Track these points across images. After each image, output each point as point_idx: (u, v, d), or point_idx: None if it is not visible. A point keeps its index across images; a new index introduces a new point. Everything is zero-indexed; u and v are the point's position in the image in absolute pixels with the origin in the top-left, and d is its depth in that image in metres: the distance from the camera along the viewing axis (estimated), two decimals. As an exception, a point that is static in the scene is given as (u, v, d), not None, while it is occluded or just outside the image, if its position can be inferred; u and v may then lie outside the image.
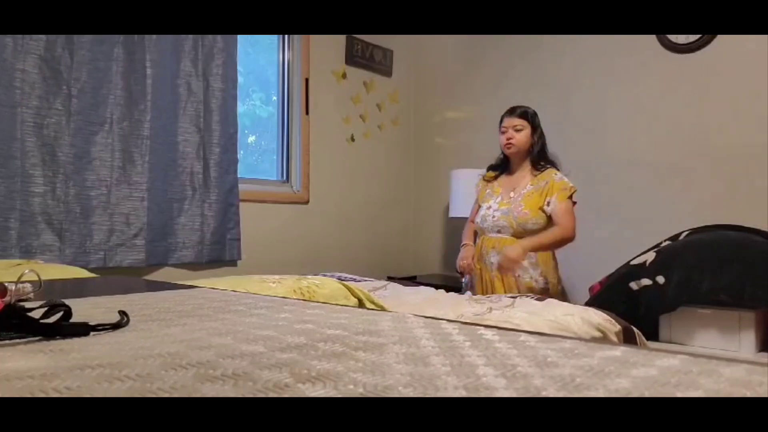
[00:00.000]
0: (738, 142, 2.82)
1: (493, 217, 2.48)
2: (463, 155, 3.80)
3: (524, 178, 2.50)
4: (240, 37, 3.07)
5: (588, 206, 3.20)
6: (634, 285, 2.45)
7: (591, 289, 2.68)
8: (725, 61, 2.87)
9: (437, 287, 2.56)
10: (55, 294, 0.97)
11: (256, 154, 3.54)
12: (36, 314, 0.61)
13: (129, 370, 0.47)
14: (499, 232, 2.47)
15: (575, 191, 2.40)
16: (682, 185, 2.99)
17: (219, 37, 2.91)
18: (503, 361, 0.53)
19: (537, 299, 2.04)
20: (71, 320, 0.64)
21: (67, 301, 0.65)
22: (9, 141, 2.24)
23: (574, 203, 2.40)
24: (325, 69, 3.57)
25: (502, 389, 0.44)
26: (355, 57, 3.72)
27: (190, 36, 2.80)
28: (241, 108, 3.11)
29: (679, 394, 0.43)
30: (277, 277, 1.65)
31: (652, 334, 2.42)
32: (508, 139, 2.49)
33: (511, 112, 2.52)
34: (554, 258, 2.50)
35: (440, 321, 0.75)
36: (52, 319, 0.62)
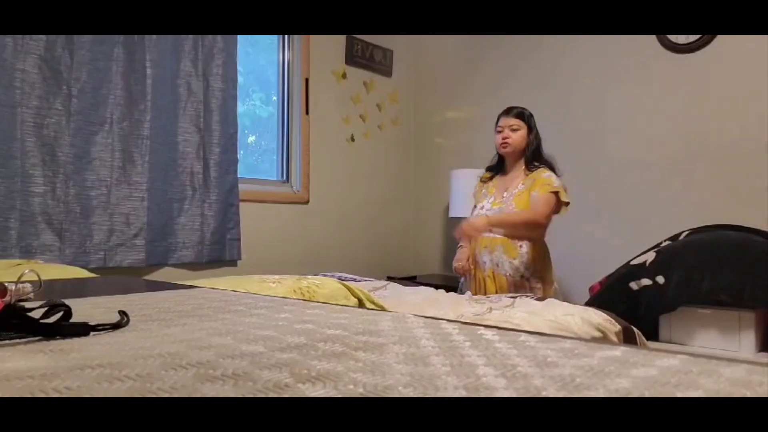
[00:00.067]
0: (738, 142, 2.82)
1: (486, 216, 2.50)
2: (463, 155, 3.81)
3: (517, 178, 2.50)
4: (240, 37, 3.07)
5: (588, 206, 3.20)
6: (634, 285, 2.45)
7: (591, 289, 2.68)
8: (725, 61, 2.87)
9: (437, 287, 2.56)
10: (55, 294, 0.97)
11: (256, 154, 3.54)
12: (36, 314, 0.61)
13: (129, 370, 0.47)
14: (490, 231, 2.48)
15: (562, 191, 2.36)
16: (682, 185, 2.99)
17: (219, 37, 2.91)
18: (503, 361, 0.53)
19: (537, 299, 2.04)
20: (71, 320, 0.63)
21: (67, 301, 0.65)
22: (9, 141, 2.24)
23: (567, 204, 2.39)
24: (325, 69, 3.57)
25: (502, 389, 0.44)
26: (355, 57, 3.72)
27: (190, 36, 2.80)
28: (241, 108, 3.11)
29: (679, 394, 0.43)
30: (277, 277, 1.65)
31: (652, 334, 2.42)
32: (504, 138, 2.49)
33: (508, 112, 2.53)
34: (548, 258, 2.49)
35: (440, 321, 0.75)
36: (52, 319, 0.62)
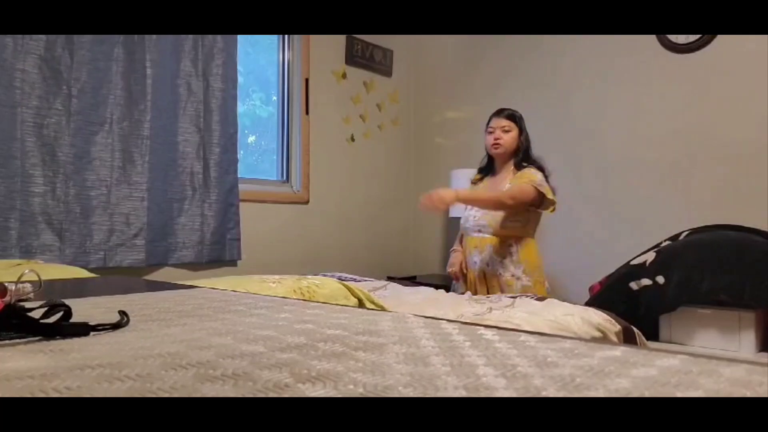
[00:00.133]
0: (738, 142, 2.82)
1: (474, 217, 2.51)
2: (462, 155, 3.80)
3: (506, 178, 2.51)
4: (240, 37, 3.07)
5: (588, 206, 3.20)
6: (634, 285, 2.46)
7: (591, 289, 2.68)
8: (725, 61, 2.87)
9: (437, 287, 2.56)
10: (55, 294, 0.97)
11: (256, 154, 3.54)
12: (36, 314, 0.61)
13: (129, 370, 0.47)
14: (479, 231, 2.48)
15: (547, 189, 2.36)
16: (682, 185, 2.99)
17: (219, 37, 2.91)
18: (503, 361, 0.53)
19: (537, 299, 2.04)
20: (71, 320, 0.63)
21: (67, 301, 0.65)
22: (9, 141, 2.24)
23: (553, 203, 2.39)
24: (325, 69, 3.57)
25: (502, 389, 0.44)
26: (355, 57, 3.72)
27: (190, 36, 2.80)
28: (241, 108, 3.11)
29: (679, 394, 0.43)
30: (277, 277, 1.65)
31: (652, 334, 2.42)
32: (495, 139, 2.51)
33: (499, 113, 2.55)
34: (539, 256, 2.49)
35: (440, 321, 0.75)
36: (52, 319, 0.62)
